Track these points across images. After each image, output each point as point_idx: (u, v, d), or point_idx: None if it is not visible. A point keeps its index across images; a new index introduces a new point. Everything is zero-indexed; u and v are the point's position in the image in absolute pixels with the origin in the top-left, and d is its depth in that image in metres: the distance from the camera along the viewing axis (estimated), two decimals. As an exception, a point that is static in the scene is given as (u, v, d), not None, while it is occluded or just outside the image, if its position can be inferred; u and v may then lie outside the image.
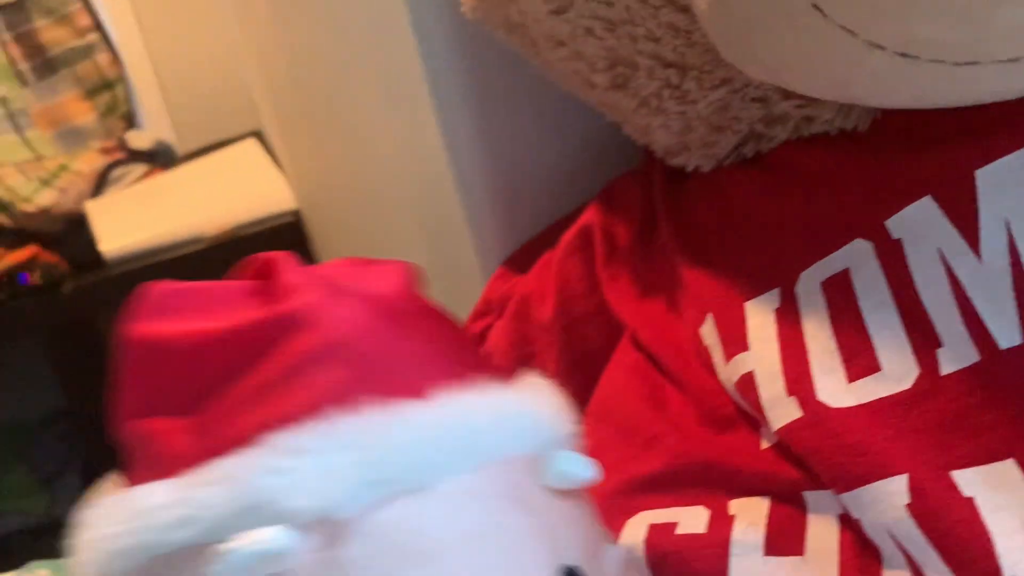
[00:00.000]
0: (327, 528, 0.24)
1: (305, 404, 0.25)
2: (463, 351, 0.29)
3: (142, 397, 0.27)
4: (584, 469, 0.29)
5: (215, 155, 1.22)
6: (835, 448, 0.30)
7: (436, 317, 0.30)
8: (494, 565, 0.25)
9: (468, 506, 0.25)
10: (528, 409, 0.29)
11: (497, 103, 0.50)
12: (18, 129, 1.20)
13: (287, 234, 1.10)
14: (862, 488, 0.29)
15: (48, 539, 0.59)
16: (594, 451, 0.41)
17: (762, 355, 0.32)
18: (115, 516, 0.26)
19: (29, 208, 1.13)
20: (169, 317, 0.27)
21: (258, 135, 1.23)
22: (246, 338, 0.26)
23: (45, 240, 1.11)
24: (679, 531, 0.33)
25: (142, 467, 0.27)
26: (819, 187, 0.34)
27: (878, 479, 0.28)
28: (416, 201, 0.61)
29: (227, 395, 0.26)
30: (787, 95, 0.35)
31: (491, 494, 0.26)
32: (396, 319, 0.27)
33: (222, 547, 0.23)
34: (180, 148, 1.26)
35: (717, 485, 0.33)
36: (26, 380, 1.29)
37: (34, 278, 1.04)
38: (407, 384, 0.26)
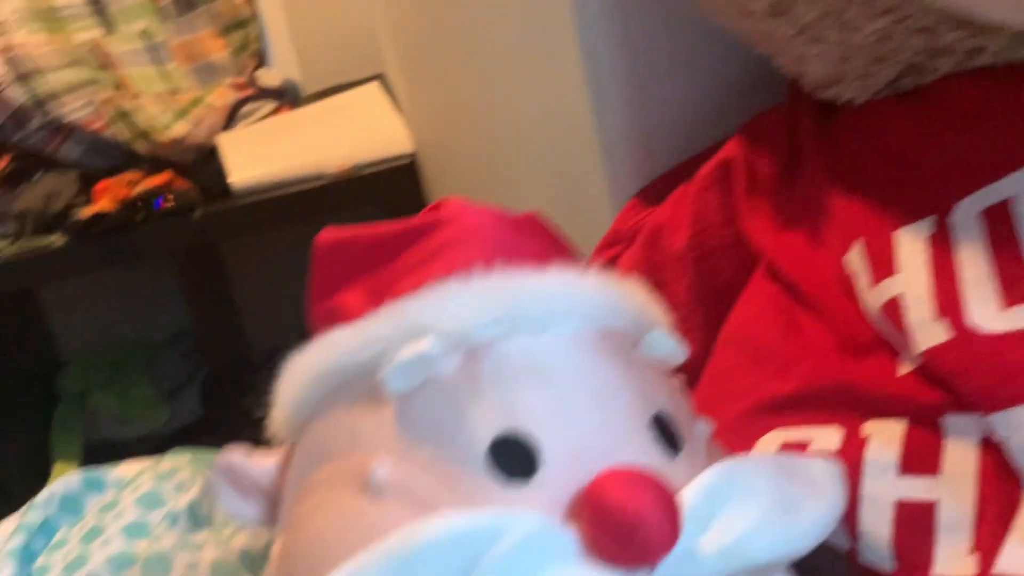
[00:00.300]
0: (468, 349, 0.30)
1: (449, 270, 0.31)
2: (571, 252, 0.35)
3: (330, 282, 0.34)
4: (676, 347, 0.33)
5: (339, 96, 1.25)
6: (986, 370, 0.30)
7: (550, 231, 0.35)
8: (596, 392, 0.30)
9: (576, 347, 0.31)
10: (629, 293, 0.34)
11: (640, 37, 0.50)
12: (158, 62, 1.26)
13: (404, 175, 1.13)
14: (1013, 408, 0.29)
15: (168, 447, 0.64)
16: (726, 375, 0.42)
17: (912, 279, 0.33)
18: (309, 352, 0.33)
19: (164, 138, 1.19)
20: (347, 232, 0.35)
21: (381, 79, 1.26)
22: (407, 232, 0.33)
23: (179, 168, 1.17)
24: (812, 448, 0.34)
25: (334, 328, 0.33)
26: (981, 120, 0.34)
27: None
28: (547, 136, 0.62)
29: (393, 269, 0.33)
30: (955, 26, 0.34)
31: (595, 344, 0.31)
32: (521, 225, 0.34)
33: (391, 354, 0.30)
34: (306, 88, 1.30)
35: (852, 407, 0.33)
36: (155, 300, 1.37)
37: (167, 202, 1.10)
38: (527, 259, 0.32)
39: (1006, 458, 0.30)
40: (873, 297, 0.34)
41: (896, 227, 0.34)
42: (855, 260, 0.36)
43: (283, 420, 0.33)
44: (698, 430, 0.33)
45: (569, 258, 0.34)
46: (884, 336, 0.34)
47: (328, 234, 0.34)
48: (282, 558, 0.30)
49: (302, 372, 0.32)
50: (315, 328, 0.34)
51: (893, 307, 0.33)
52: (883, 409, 0.33)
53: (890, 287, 0.33)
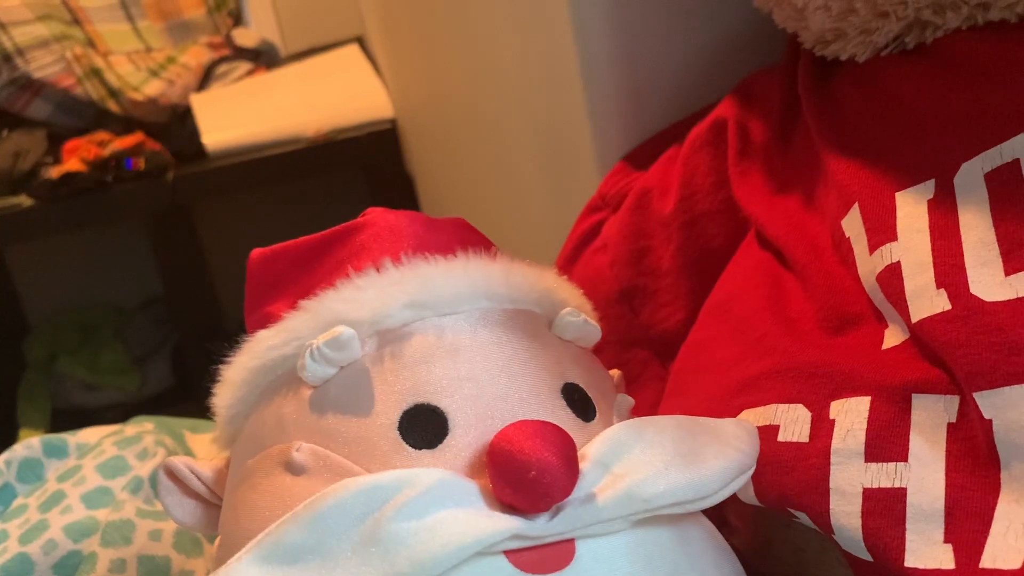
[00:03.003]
0: (381, 334, 0.32)
1: (364, 265, 0.33)
2: (487, 248, 0.36)
3: (261, 294, 0.36)
4: (587, 327, 0.34)
5: (318, 58, 1.22)
6: (984, 344, 0.28)
7: (472, 231, 0.37)
8: (503, 364, 0.31)
9: (486, 325, 0.32)
10: (538, 276, 0.35)
11: (631, -7, 0.48)
12: (131, 19, 1.23)
13: (383, 141, 1.10)
14: (1009, 387, 0.28)
15: (138, 415, 0.62)
16: (705, 346, 0.40)
17: (911, 245, 0.31)
18: (239, 355, 0.34)
19: (137, 97, 1.16)
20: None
21: (361, 41, 1.23)
22: (329, 239, 0.35)
23: (150, 130, 1.14)
24: (781, 438, 0.33)
25: None
26: (990, 77, 0.32)
27: None
28: (532, 97, 0.60)
29: (315, 273, 0.34)
30: (965, -22, 0.33)
31: (504, 323, 0.33)
32: (439, 225, 0.36)
33: (306, 344, 0.31)
34: (284, 49, 1.27)
35: (821, 385, 0.32)
36: (126, 264, 1.34)
37: (139, 163, 1.07)
38: (440, 252, 0.34)
39: (978, 442, 0.28)
40: (870, 264, 0.33)
41: (897, 189, 0.33)
42: (852, 224, 0.34)
43: (221, 426, 0.35)
44: (619, 403, 0.34)
45: (481, 249, 0.35)
46: (876, 306, 0.33)
47: (258, 252, 0.37)
48: (221, 538, 0.33)
49: (233, 375, 0.34)
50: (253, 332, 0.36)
51: (891, 274, 0.31)
52: (851, 385, 0.31)
53: (889, 253, 0.32)
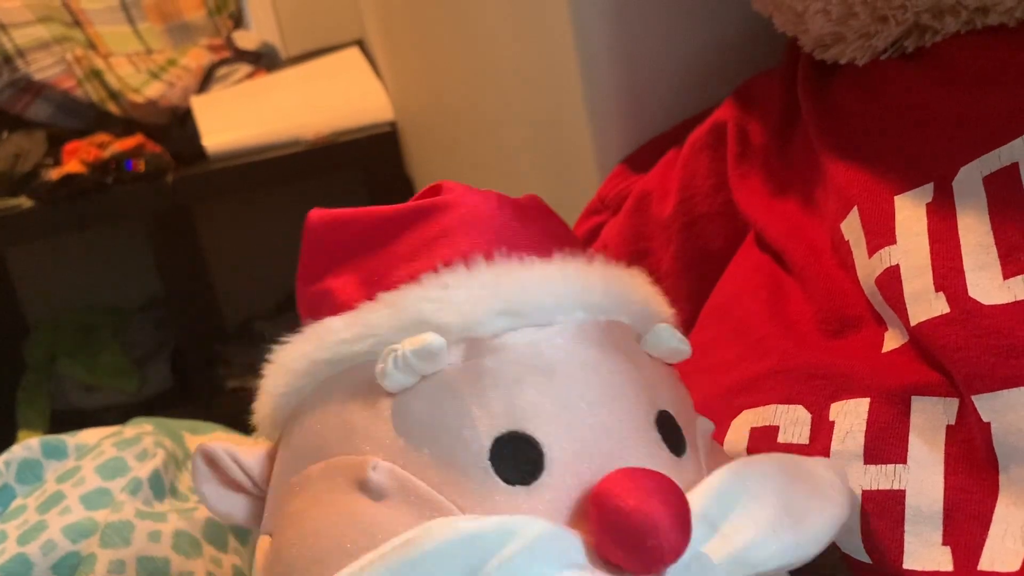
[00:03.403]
0: (469, 343, 0.29)
1: (450, 258, 0.30)
2: (574, 240, 0.33)
3: (320, 264, 0.32)
4: (680, 343, 0.32)
5: (318, 61, 1.22)
6: (983, 347, 0.28)
7: (553, 216, 0.34)
8: (601, 391, 0.29)
9: (582, 341, 0.30)
10: (633, 285, 0.33)
11: (631, -3, 0.48)
12: (131, 20, 1.23)
13: (384, 144, 1.10)
14: (1007, 390, 0.28)
15: (137, 416, 0.62)
16: (705, 348, 0.40)
17: (910, 248, 0.31)
18: (302, 341, 0.31)
19: (137, 99, 1.16)
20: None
21: (361, 44, 1.23)
22: (404, 216, 0.31)
23: (150, 132, 1.14)
24: (781, 439, 0.33)
25: (324, 315, 0.31)
26: (988, 81, 0.32)
27: None
28: (532, 100, 0.60)
29: (389, 254, 0.31)
30: (964, -19, 0.33)
31: (600, 339, 0.30)
32: (521, 209, 0.32)
33: (389, 348, 0.28)
34: (285, 51, 1.27)
35: (821, 386, 0.32)
36: (126, 265, 1.34)
37: (139, 165, 1.07)
38: (532, 248, 0.31)
39: (977, 445, 0.28)
40: (869, 267, 0.33)
41: (895, 192, 0.33)
42: (851, 227, 0.34)
43: (268, 412, 0.32)
44: (700, 427, 0.32)
45: (572, 245, 0.32)
46: (875, 309, 0.33)
47: (319, 213, 0.33)
48: (275, 557, 0.29)
49: (292, 361, 0.31)
50: (303, 312, 0.33)
51: (889, 277, 0.31)
52: (851, 387, 0.31)
53: (887, 256, 0.32)
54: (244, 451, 0.32)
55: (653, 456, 0.28)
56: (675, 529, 0.25)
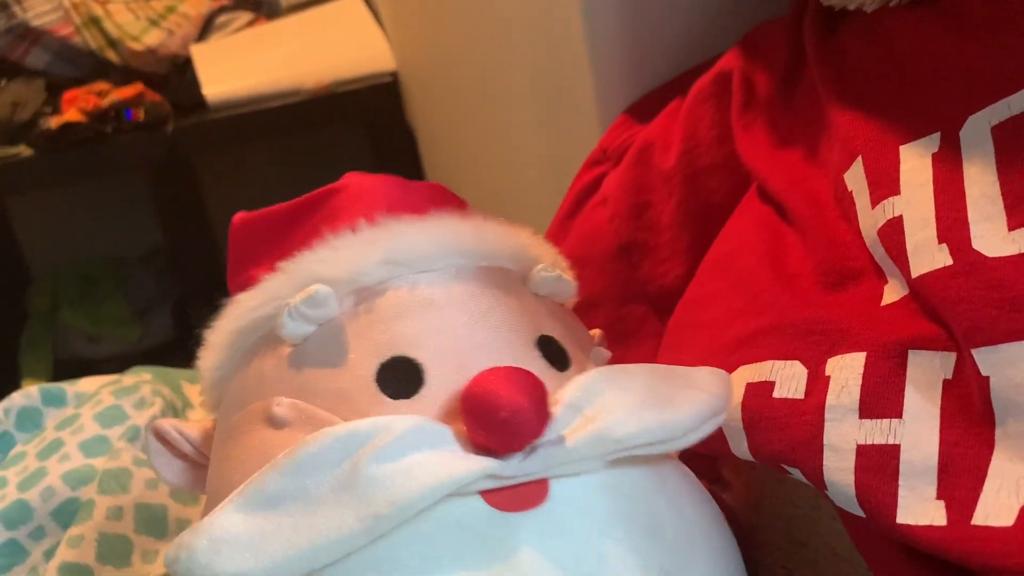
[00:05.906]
0: (358, 292, 0.32)
1: (340, 227, 0.34)
2: (464, 208, 0.37)
3: (243, 259, 0.36)
4: (561, 282, 0.35)
5: (318, 9, 1.20)
6: (985, 299, 0.28)
7: (451, 197, 0.38)
8: (478, 316, 0.32)
9: (461, 280, 0.33)
10: (512, 233, 0.36)
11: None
12: (129, -34, 1.20)
13: (384, 94, 1.09)
14: (1008, 344, 0.27)
15: (139, 366, 0.62)
16: (703, 302, 0.40)
17: (914, 199, 0.31)
18: (222, 320, 0.35)
19: (137, 47, 1.14)
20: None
21: (363, -8, 1.21)
22: (309, 203, 0.36)
23: (150, 80, 1.13)
24: (776, 394, 0.32)
25: None
26: (998, 29, 0.31)
27: None
28: (534, 48, 0.59)
29: (295, 238, 0.35)
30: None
31: (479, 277, 0.33)
32: (415, 188, 0.36)
33: (284, 303, 0.32)
34: (285, -1, 1.25)
35: (818, 341, 0.32)
36: (127, 215, 1.34)
37: (139, 114, 1.06)
38: (414, 212, 0.34)
39: (973, 400, 0.28)
40: (872, 218, 0.32)
41: (901, 142, 0.32)
42: (855, 178, 0.33)
43: (208, 389, 0.36)
44: (595, 354, 0.35)
45: (454, 207, 0.36)
46: (876, 261, 0.32)
47: (241, 216, 0.37)
48: (208, 494, 0.33)
49: (216, 339, 0.35)
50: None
51: (892, 228, 0.31)
52: (850, 343, 0.31)
53: (891, 207, 0.31)
54: (189, 425, 0.36)
55: (530, 367, 0.30)
56: (530, 407, 0.28)
